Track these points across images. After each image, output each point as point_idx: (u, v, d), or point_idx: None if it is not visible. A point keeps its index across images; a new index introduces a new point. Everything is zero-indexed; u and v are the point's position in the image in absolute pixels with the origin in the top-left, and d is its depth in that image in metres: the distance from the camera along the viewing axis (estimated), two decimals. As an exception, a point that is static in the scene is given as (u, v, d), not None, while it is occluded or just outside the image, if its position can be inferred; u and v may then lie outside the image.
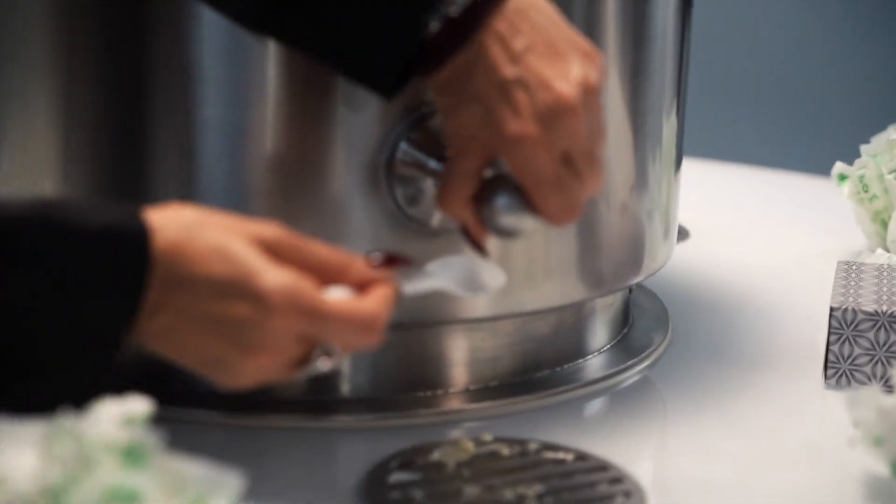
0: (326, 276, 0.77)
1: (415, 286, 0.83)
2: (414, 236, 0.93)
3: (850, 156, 1.34)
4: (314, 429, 0.97)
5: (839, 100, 2.63)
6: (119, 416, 0.66)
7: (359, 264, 0.79)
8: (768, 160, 1.97)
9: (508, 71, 0.82)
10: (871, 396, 0.85)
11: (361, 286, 0.79)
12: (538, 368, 1.05)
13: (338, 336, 0.76)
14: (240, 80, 0.92)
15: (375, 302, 0.78)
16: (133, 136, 0.94)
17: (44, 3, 0.93)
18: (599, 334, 1.09)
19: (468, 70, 0.83)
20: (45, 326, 0.71)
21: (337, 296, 0.77)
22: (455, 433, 0.97)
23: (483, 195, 0.85)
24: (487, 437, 0.94)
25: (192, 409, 0.97)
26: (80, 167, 0.95)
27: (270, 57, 0.91)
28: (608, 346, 1.10)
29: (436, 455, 0.91)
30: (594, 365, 1.07)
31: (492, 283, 0.87)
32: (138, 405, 0.71)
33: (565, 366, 1.06)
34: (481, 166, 0.85)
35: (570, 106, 0.82)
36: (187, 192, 0.93)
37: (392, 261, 0.80)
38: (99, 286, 0.71)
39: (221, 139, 0.93)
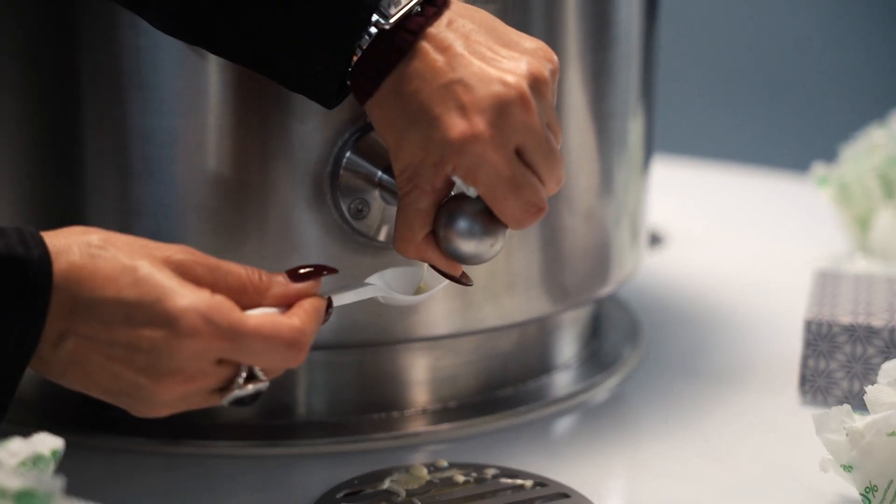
0: (246, 296, 0.74)
1: (346, 298, 0.78)
2: (361, 250, 0.89)
3: (828, 146, 1.30)
4: (265, 456, 0.93)
5: (819, 91, 2.60)
6: (21, 456, 0.62)
7: (280, 281, 0.75)
8: (747, 155, 1.94)
9: (449, 74, 0.77)
10: (841, 418, 0.80)
11: (287, 304, 0.75)
12: (501, 386, 1.00)
13: (259, 357, 0.73)
14: (176, 89, 0.88)
15: (299, 317, 0.74)
16: (61, 150, 0.90)
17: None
18: (566, 349, 1.05)
19: (407, 81, 0.78)
20: None
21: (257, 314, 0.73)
22: (413, 457, 0.93)
23: (439, 225, 0.80)
24: (443, 462, 0.90)
25: (135, 438, 0.94)
26: (4, 183, 0.91)
27: (208, 63, 0.87)
28: (575, 361, 1.05)
29: (387, 483, 0.87)
30: (560, 382, 1.03)
31: (435, 286, 0.84)
32: (46, 444, 0.66)
33: (529, 383, 1.01)
34: (434, 202, 0.80)
35: (517, 96, 0.77)
36: (121, 209, 0.90)
37: (316, 273, 0.76)
38: None
39: (156, 151, 0.89)
